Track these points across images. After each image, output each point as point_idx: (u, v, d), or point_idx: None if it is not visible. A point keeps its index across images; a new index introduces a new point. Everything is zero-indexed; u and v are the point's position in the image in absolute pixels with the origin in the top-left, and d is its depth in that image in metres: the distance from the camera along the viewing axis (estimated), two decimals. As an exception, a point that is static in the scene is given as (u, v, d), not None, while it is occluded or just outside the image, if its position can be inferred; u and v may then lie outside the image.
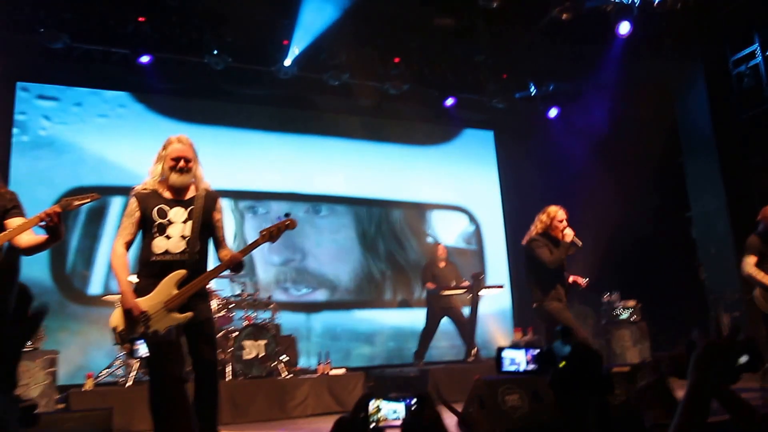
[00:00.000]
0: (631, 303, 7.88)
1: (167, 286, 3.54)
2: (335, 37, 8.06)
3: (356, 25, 8.00)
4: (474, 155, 10.32)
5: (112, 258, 3.65)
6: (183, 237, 3.63)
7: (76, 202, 3.40)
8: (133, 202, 3.68)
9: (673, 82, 8.77)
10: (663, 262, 8.59)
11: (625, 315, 7.85)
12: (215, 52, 7.89)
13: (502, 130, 10.34)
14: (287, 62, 8.15)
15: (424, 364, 7.70)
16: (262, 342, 6.65)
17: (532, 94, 9.30)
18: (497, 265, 9.93)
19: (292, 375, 6.70)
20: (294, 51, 8.13)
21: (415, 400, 1.93)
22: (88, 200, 3.49)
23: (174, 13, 7.69)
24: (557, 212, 5.70)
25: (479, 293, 7.80)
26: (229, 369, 6.40)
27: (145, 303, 3.52)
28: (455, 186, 9.93)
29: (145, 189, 3.71)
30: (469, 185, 10.10)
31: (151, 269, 3.59)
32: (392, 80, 8.57)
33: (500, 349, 2.19)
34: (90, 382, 6.04)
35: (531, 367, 2.13)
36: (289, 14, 7.86)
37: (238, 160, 8.90)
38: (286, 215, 3.88)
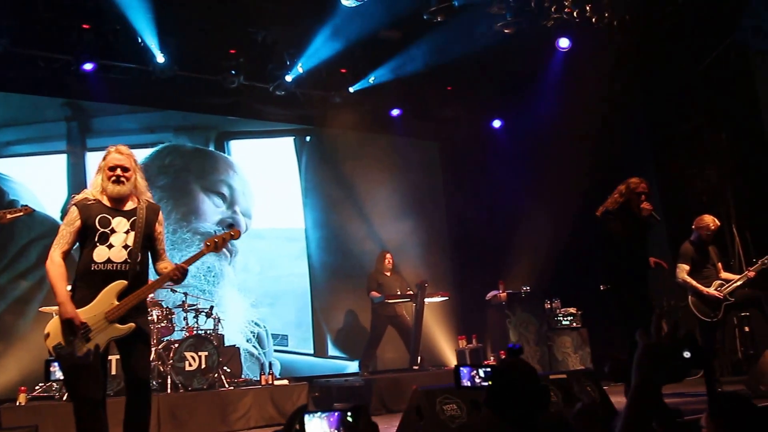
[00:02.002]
0: (572, 310, 7.92)
1: (107, 297, 3.43)
2: (282, 46, 7.93)
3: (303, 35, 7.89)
4: (419, 165, 10.26)
5: (50, 267, 3.49)
6: (125, 247, 3.53)
7: (9, 216, 3.24)
8: (74, 211, 3.55)
9: (611, 95, 8.87)
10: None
11: (566, 322, 7.86)
12: (162, 60, 7.66)
13: (446, 141, 10.30)
14: (233, 71, 7.97)
15: (369, 374, 7.54)
16: (204, 353, 6.42)
17: (477, 105, 9.33)
18: (442, 274, 9.85)
19: (234, 386, 6.47)
20: (240, 60, 7.96)
21: (350, 413, 1.85)
22: (21, 213, 3.36)
23: (119, 21, 7.44)
24: (639, 184, 4.99)
25: (424, 301, 7.70)
26: (169, 381, 6.13)
27: (84, 314, 3.39)
28: (400, 195, 9.83)
29: (86, 198, 3.59)
30: (413, 195, 10.02)
31: (90, 279, 3.46)
32: (338, 90, 8.47)
33: (458, 367, 2.30)
34: (23, 397, 5.77)
35: (484, 384, 2.24)
36: (237, 23, 7.71)
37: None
38: (230, 226, 3.80)
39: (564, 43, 7.85)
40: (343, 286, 9.12)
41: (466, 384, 2.25)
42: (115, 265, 3.48)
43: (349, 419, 1.80)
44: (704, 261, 6.20)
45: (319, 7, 7.52)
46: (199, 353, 6.40)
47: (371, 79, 8.66)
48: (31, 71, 7.66)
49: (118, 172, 3.60)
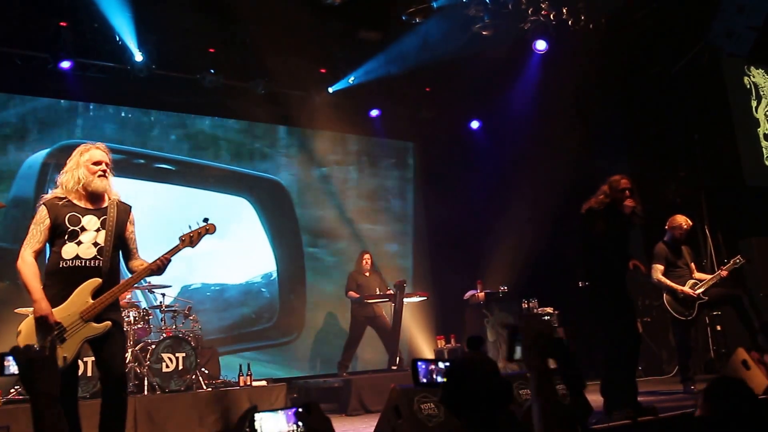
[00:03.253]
0: (549, 309, 7.95)
1: (82, 296, 3.37)
2: (261, 47, 7.87)
3: (282, 34, 7.83)
4: (397, 165, 10.25)
5: (21, 266, 3.41)
6: (95, 244, 3.48)
7: None
8: (43, 210, 3.48)
9: (587, 96, 8.96)
10: (581, 268, 8.71)
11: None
12: (140, 59, 7.57)
13: (424, 141, 10.30)
14: (211, 70, 7.90)
15: (348, 374, 7.50)
16: (181, 355, 6.31)
17: (455, 106, 9.35)
18: (421, 274, 9.85)
19: (212, 388, 6.38)
20: (218, 59, 7.89)
21: (301, 409, 1.86)
22: None
23: (97, 18, 7.32)
24: (620, 180, 4.78)
25: (402, 301, 7.68)
26: (146, 383, 6.03)
27: (58, 313, 3.32)
28: (378, 195, 9.81)
29: (55, 197, 3.52)
30: (392, 195, 10.01)
31: (59, 277, 3.40)
32: (317, 90, 8.43)
33: (415, 361, 2.09)
34: None
35: (441, 379, 2.06)
36: (216, 22, 7.63)
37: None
38: (205, 220, 3.74)
39: (541, 45, 7.91)
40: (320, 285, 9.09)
41: (422, 381, 2.06)
42: (83, 261, 3.43)
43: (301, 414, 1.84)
44: (678, 261, 6.29)
45: (299, 5, 7.46)
46: (177, 354, 6.29)
47: (351, 80, 8.63)
48: (6, 69, 7.51)
49: (103, 167, 3.57)
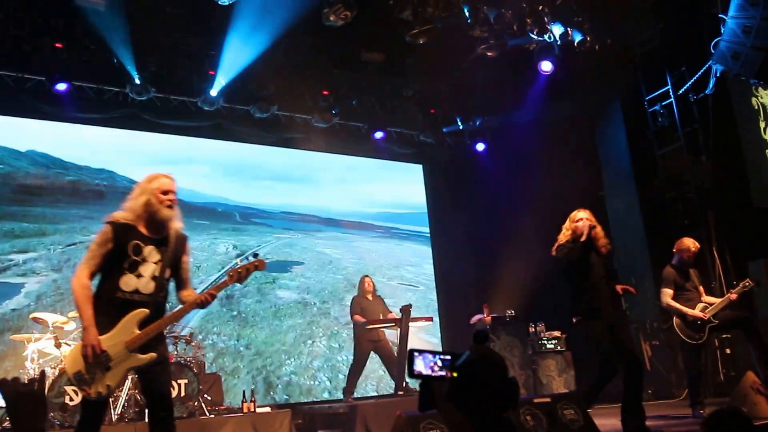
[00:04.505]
0: (557, 333, 7.97)
1: (129, 326, 3.38)
2: (263, 68, 7.95)
3: (285, 57, 7.93)
4: (403, 187, 10.36)
5: (76, 287, 3.40)
6: (154, 278, 3.50)
7: None
8: (109, 231, 3.47)
9: (593, 119, 9.07)
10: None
11: (550, 345, 7.92)
12: (137, 81, 7.63)
13: (430, 163, 10.42)
14: (213, 92, 7.98)
15: (354, 399, 7.50)
16: (183, 381, 6.36)
17: (460, 128, 9.41)
18: (426, 298, 9.90)
19: (215, 415, 6.38)
20: (220, 82, 7.98)
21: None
22: None
23: (93, 40, 7.40)
24: (575, 213, 5.19)
25: (408, 326, 7.68)
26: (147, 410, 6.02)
27: (105, 342, 3.32)
28: (384, 219, 9.92)
29: (123, 219, 3.52)
30: (398, 218, 10.11)
31: (113, 306, 3.40)
32: (320, 113, 8.49)
33: (411, 352, 2.08)
34: None
35: (439, 372, 2.02)
36: (216, 44, 7.75)
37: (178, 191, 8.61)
38: (255, 255, 3.74)
39: (546, 66, 8.02)
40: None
41: (421, 372, 2.02)
42: (142, 296, 3.44)
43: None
44: (687, 284, 6.32)
45: (301, 27, 7.56)
46: (179, 381, 6.33)
47: (354, 102, 8.72)
48: (2, 91, 7.62)
49: (171, 196, 3.60)
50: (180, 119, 8.53)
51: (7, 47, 7.27)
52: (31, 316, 6.55)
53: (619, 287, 5.36)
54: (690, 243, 6.37)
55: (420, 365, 2.03)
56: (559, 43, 7.77)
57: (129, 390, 6.08)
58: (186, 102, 8.44)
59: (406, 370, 2.07)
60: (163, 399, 3.49)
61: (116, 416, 5.99)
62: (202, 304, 3.56)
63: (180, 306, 3.64)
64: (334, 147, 9.40)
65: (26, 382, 2.22)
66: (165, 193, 3.57)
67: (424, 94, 8.88)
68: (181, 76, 8.13)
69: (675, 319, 6.33)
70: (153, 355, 3.40)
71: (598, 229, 5.14)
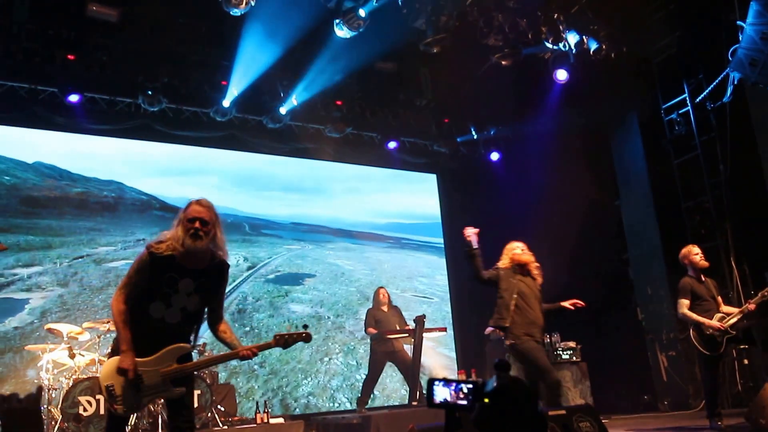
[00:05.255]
0: (572, 344, 7.97)
1: (169, 357, 3.47)
2: (276, 78, 8.05)
3: (297, 67, 8.03)
4: (416, 197, 10.42)
5: (115, 313, 3.49)
6: (182, 309, 3.53)
7: None
8: (147, 259, 3.52)
9: (609, 127, 9.10)
10: (604, 302, 8.75)
11: (566, 356, 7.91)
12: (149, 92, 7.75)
13: (444, 173, 10.49)
14: (226, 103, 8.07)
15: (367, 410, 7.54)
16: (196, 392, 6.43)
17: (474, 138, 9.45)
18: (441, 310, 9.95)
19: (228, 425, 6.44)
20: (232, 92, 8.08)
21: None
22: None
23: (105, 52, 7.52)
24: (511, 242, 6.24)
25: (422, 336, 7.73)
26: (160, 421, 6.12)
27: (143, 366, 3.42)
28: (395, 229, 9.98)
29: (162, 248, 3.54)
30: (409, 228, 10.17)
31: (141, 330, 3.47)
32: (334, 123, 8.57)
33: (431, 381, 2.05)
34: None
35: (462, 402, 1.97)
36: (229, 55, 7.85)
37: (180, 201, 8.71)
38: (305, 327, 3.86)
39: (562, 75, 8.07)
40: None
41: (444, 400, 1.96)
42: (167, 325, 3.49)
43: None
44: (704, 294, 6.28)
45: (313, 38, 7.65)
46: (192, 392, 6.35)
47: (366, 111, 8.80)
48: (15, 103, 7.76)
49: (197, 225, 3.53)
50: (192, 130, 8.64)
51: (20, 59, 7.40)
52: (46, 326, 6.65)
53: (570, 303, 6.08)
54: (686, 248, 6.37)
55: (441, 394, 2.00)
56: (574, 51, 7.81)
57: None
58: (198, 113, 8.58)
59: (426, 401, 2.04)
60: (185, 409, 3.55)
61: (130, 427, 6.05)
62: (244, 358, 3.61)
63: (224, 352, 3.69)
64: (347, 157, 9.49)
65: (21, 398, 2.28)
66: (191, 221, 3.54)
67: (438, 103, 8.93)
68: (194, 87, 8.24)
69: (692, 330, 6.31)
70: (182, 390, 3.48)
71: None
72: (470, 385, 1.96)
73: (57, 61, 7.51)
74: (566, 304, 6.08)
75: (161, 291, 3.49)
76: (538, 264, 6.09)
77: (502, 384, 1.88)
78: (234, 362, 8.23)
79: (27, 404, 2.15)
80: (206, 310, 3.68)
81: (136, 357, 3.39)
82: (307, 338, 3.80)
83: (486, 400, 1.86)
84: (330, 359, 9.23)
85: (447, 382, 2.01)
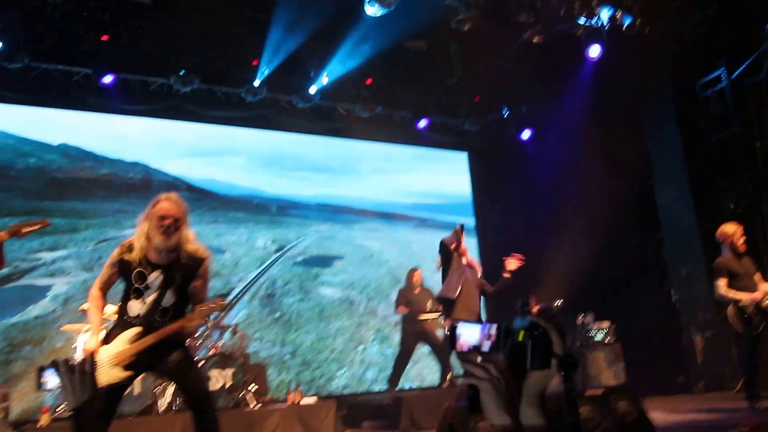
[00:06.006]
0: (606, 324, 7.99)
1: (121, 341, 3.59)
2: (306, 58, 8.09)
3: (327, 46, 8.06)
4: (447, 176, 10.44)
5: (89, 298, 3.73)
6: (156, 304, 3.65)
7: (26, 229, 3.40)
8: (116, 255, 3.69)
9: (642, 104, 9.00)
10: (637, 283, 8.75)
11: (599, 336, 7.93)
12: (181, 72, 7.83)
13: (475, 151, 10.50)
14: (256, 83, 8.14)
15: (398, 391, 7.63)
16: (230, 371, 6.53)
17: (505, 116, 9.43)
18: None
19: (260, 405, 6.55)
20: (263, 72, 8.14)
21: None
22: (38, 227, 3.46)
23: (138, 32, 7.60)
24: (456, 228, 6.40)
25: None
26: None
27: (102, 351, 3.56)
28: (429, 208, 10.01)
29: (130, 247, 3.68)
30: (442, 208, 10.19)
31: (122, 326, 3.64)
32: (364, 102, 8.59)
33: (454, 327, 2.08)
34: (46, 418, 5.85)
35: (488, 345, 2.03)
36: (259, 35, 7.90)
37: (206, 183, 8.90)
38: (222, 296, 3.91)
39: (594, 51, 8.00)
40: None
41: (471, 345, 2.01)
42: (141, 320, 3.61)
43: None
44: (741, 273, 6.22)
45: (344, 16, 7.67)
46: (225, 371, 6.49)
47: (397, 90, 8.81)
48: (50, 85, 7.90)
49: (168, 222, 3.62)
50: (223, 110, 8.74)
51: (54, 41, 7.49)
52: (81, 307, 6.80)
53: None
54: (730, 227, 6.28)
55: (468, 338, 2.03)
56: (607, 27, 7.75)
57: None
58: (229, 93, 8.65)
59: (453, 350, 2.08)
60: (197, 393, 3.67)
61: (164, 406, 6.20)
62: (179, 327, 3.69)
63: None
64: (377, 136, 9.53)
65: (76, 363, 2.39)
66: (162, 218, 3.62)
67: (469, 81, 8.91)
68: (225, 67, 8.31)
69: (729, 310, 6.26)
70: (130, 373, 3.57)
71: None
72: (495, 326, 2.02)
73: (91, 42, 7.61)
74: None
75: (132, 288, 3.63)
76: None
77: (536, 321, 1.93)
78: (264, 354, 8.41)
79: (85, 368, 2.28)
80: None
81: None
82: (218, 306, 3.81)
83: (521, 339, 1.90)
84: (365, 348, 9.22)
85: (470, 325, 2.07)
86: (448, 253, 6.19)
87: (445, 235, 6.45)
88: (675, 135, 8.80)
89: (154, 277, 3.64)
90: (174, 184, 8.75)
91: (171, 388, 6.25)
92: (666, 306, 8.81)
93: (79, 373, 2.13)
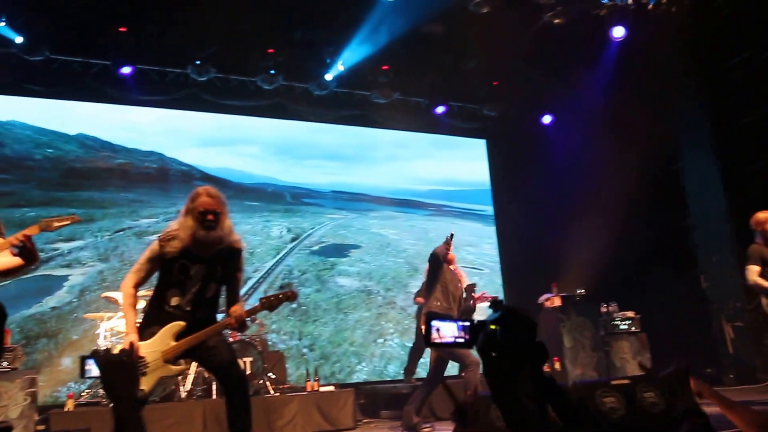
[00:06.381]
0: (630, 314, 7.85)
1: (166, 337, 3.65)
2: (322, 45, 8.07)
3: (343, 32, 8.02)
4: (465, 163, 10.34)
5: (123, 295, 3.75)
6: (197, 295, 3.73)
7: (56, 224, 3.45)
8: (157, 249, 3.74)
9: (670, 86, 8.78)
10: (663, 271, 8.57)
11: (624, 326, 7.79)
12: (197, 62, 7.87)
13: (494, 138, 10.38)
14: (272, 71, 8.18)
15: (416, 380, 7.59)
16: (248, 359, 6.62)
17: (525, 101, 9.31)
18: (492, 281, 9.90)
19: (279, 393, 6.58)
20: (279, 60, 8.15)
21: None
22: (68, 222, 3.53)
23: (155, 23, 7.65)
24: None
25: (473, 306, 7.70)
26: (214, 387, 6.30)
27: (144, 348, 3.59)
28: (446, 196, 9.94)
29: (171, 237, 3.73)
30: (460, 195, 10.11)
31: (161, 318, 3.70)
32: (380, 89, 8.55)
33: (428, 320, 2.08)
34: (70, 403, 6.04)
35: (460, 339, 2.06)
36: (275, 23, 7.92)
37: (225, 172, 8.98)
38: (288, 285, 3.95)
39: (618, 32, 7.84)
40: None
41: (442, 340, 2.02)
42: (183, 312, 3.69)
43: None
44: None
45: (359, 2, 7.62)
46: (244, 359, 6.57)
47: (414, 76, 8.74)
48: (69, 77, 8.02)
49: (210, 217, 3.70)
50: (239, 99, 8.78)
51: (74, 34, 7.63)
52: (103, 295, 6.92)
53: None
54: (764, 214, 6.13)
55: (441, 333, 2.05)
56: (632, 6, 7.59)
57: (197, 368, 6.35)
58: (245, 81, 8.69)
59: (423, 339, 2.14)
60: (233, 377, 3.71)
61: (185, 393, 6.30)
62: (238, 326, 3.79)
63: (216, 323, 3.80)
64: (393, 123, 9.48)
65: (117, 352, 2.41)
66: (204, 213, 3.69)
67: (487, 66, 8.80)
68: (241, 56, 8.34)
69: (763, 299, 6.12)
70: (183, 366, 3.71)
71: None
72: (467, 324, 2.05)
73: (109, 34, 7.74)
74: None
75: (174, 280, 3.68)
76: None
77: (506, 313, 1.95)
78: (281, 346, 8.43)
79: (123, 356, 2.34)
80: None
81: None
82: (293, 297, 3.91)
83: (493, 327, 1.93)
84: (384, 341, 9.17)
85: (446, 320, 2.07)
86: (438, 264, 6.21)
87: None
88: (704, 118, 8.58)
89: (197, 270, 3.71)
90: (189, 173, 8.83)
91: (191, 376, 6.34)
92: (694, 295, 8.61)
93: (119, 365, 2.16)
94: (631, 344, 7.86)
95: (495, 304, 2.05)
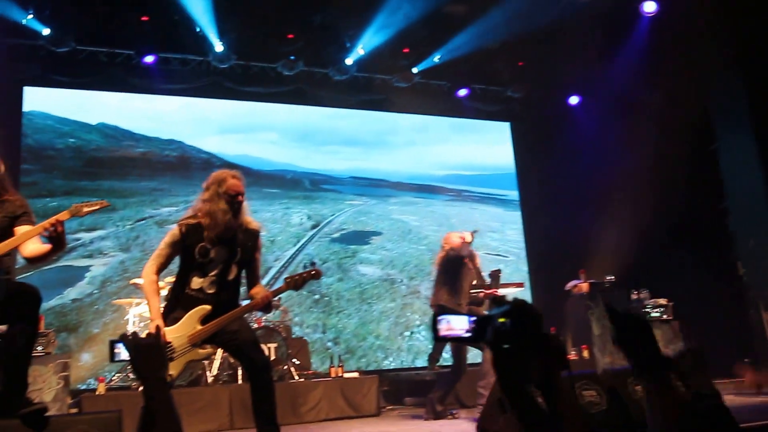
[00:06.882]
0: (663, 301, 7.71)
1: (191, 321, 3.73)
2: (341, 28, 8.05)
3: (363, 15, 7.98)
4: (490, 147, 10.24)
5: (145, 282, 3.81)
6: (219, 277, 3.81)
7: (86, 209, 3.54)
8: (177, 234, 3.81)
9: (705, 63, 8.55)
10: (697, 256, 8.39)
11: (655, 314, 7.65)
12: (220, 49, 7.98)
13: (519, 120, 10.27)
14: (293, 57, 8.23)
15: (440, 368, 7.56)
16: (273, 345, 6.74)
17: (551, 81, 9.17)
18: (518, 268, 9.80)
19: (303, 379, 6.67)
20: (299, 45, 8.21)
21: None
22: (98, 207, 3.61)
23: (176, 11, 7.72)
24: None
25: (497, 292, 7.64)
26: (239, 373, 6.40)
27: (170, 334, 3.68)
28: (470, 180, 9.86)
29: (193, 221, 3.82)
30: (484, 180, 10.03)
31: (183, 302, 3.78)
32: (401, 72, 8.51)
33: (437, 313, 2.17)
34: (102, 387, 6.25)
35: (468, 334, 2.12)
36: (294, 8, 7.94)
37: (244, 159, 9.04)
38: (312, 264, 4.03)
39: (650, 7, 7.64)
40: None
41: (449, 334, 2.10)
42: (206, 295, 3.77)
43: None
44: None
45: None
46: (268, 345, 6.68)
47: (436, 58, 8.67)
48: (95, 67, 8.18)
49: (240, 198, 3.83)
50: (260, 85, 8.83)
51: (98, 24, 7.76)
52: (131, 281, 7.07)
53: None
54: None
55: (447, 327, 2.12)
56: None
57: (222, 354, 6.43)
58: (266, 68, 8.73)
59: (431, 333, 2.16)
60: (257, 362, 3.77)
61: (211, 378, 6.44)
62: (264, 308, 3.93)
63: (243, 304, 3.88)
64: (415, 107, 9.42)
65: (143, 338, 2.46)
66: (234, 196, 3.80)
67: (511, 46, 8.68)
68: (261, 42, 8.37)
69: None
70: (210, 350, 3.80)
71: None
72: (474, 318, 2.11)
73: (132, 24, 7.86)
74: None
75: (196, 263, 3.75)
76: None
77: (514, 305, 1.99)
78: (305, 339, 8.30)
79: (152, 340, 2.41)
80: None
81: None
82: (317, 275, 3.99)
83: (502, 320, 1.96)
84: (411, 333, 9.09)
85: (453, 314, 2.15)
86: (459, 264, 6.25)
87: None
88: (741, 96, 8.33)
89: (218, 252, 3.78)
90: (209, 161, 8.89)
91: (218, 361, 6.47)
92: (731, 281, 8.42)
93: (148, 347, 2.21)
94: (663, 332, 7.68)
95: (496, 300, 2.07)
